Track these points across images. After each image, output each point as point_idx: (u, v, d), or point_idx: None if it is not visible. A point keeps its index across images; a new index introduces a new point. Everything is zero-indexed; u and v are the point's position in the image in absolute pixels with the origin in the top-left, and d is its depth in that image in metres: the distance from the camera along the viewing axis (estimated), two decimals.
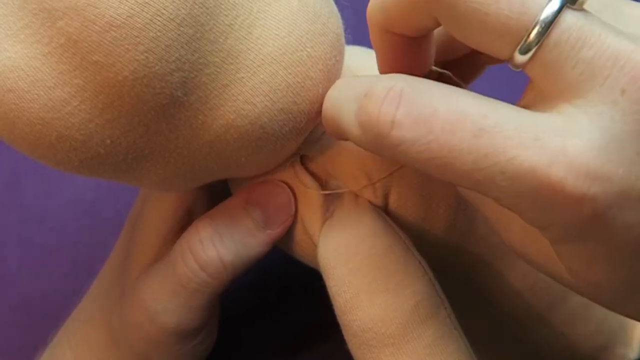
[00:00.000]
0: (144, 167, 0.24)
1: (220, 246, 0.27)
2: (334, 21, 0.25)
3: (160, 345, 0.29)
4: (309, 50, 0.23)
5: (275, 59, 0.23)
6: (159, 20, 0.20)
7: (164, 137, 0.23)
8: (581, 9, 0.18)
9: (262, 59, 0.23)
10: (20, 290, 0.40)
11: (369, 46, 0.33)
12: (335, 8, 0.26)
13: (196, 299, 0.28)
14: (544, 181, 0.17)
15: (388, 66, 0.24)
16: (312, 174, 0.27)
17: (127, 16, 0.20)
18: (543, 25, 0.17)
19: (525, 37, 0.17)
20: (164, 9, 0.20)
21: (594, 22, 0.18)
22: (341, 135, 0.22)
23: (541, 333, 0.29)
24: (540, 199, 0.17)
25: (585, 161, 0.17)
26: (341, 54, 0.25)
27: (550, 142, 0.17)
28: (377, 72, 0.25)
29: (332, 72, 0.25)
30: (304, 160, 0.27)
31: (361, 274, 0.24)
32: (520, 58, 0.18)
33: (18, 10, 0.21)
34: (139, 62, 0.20)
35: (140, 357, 0.30)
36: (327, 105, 0.23)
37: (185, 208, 0.30)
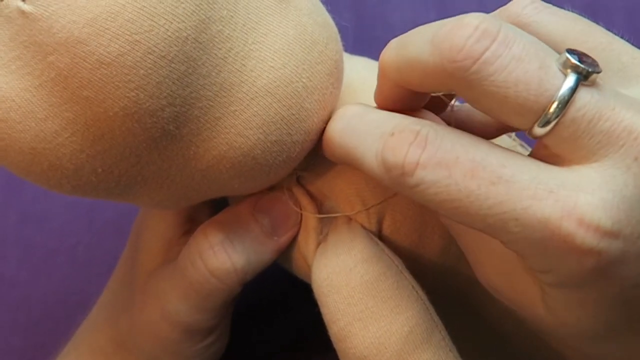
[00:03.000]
0: (137, 192, 0.24)
1: (231, 251, 0.27)
2: (332, 47, 0.25)
3: (170, 343, 0.29)
4: (304, 81, 0.23)
5: (269, 92, 0.22)
6: (149, 58, 0.20)
7: (156, 166, 0.23)
8: (595, 85, 0.19)
9: (256, 92, 0.22)
10: (20, 290, 0.40)
11: (369, 47, 0.33)
12: (334, 31, 0.25)
13: (208, 302, 0.28)
14: (555, 232, 0.18)
15: (387, 106, 0.24)
16: (309, 194, 0.27)
17: (117, 54, 0.19)
18: (560, 103, 0.18)
19: (544, 115, 0.19)
20: (155, 47, 0.20)
21: (608, 96, 0.19)
22: (347, 163, 0.23)
23: (536, 350, 0.29)
24: (548, 248, 0.18)
25: (597, 218, 0.18)
26: (339, 80, 0.25)
27: (565, 196, 0.18)
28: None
29: (329, 101, 0.24)
30: (300, 181, 0.27)
31: (354, 302, 0.25)
32: (539, 131, 0.19)
33: (9, 41, 0.21)
34: (130, 99, 0.20)
35: (149, 358, 0.30)
36: (335, 131, 0.23)
37: (188, 212, 0.30)
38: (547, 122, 0.19)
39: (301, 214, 0.27)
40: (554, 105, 0.18)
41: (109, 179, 0.22)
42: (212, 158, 0.23)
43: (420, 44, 0.20)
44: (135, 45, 0.20)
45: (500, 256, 0.22)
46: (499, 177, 0.18)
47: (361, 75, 0.29)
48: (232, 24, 0.22)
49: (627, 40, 0.22)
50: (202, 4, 0.21)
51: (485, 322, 0.30)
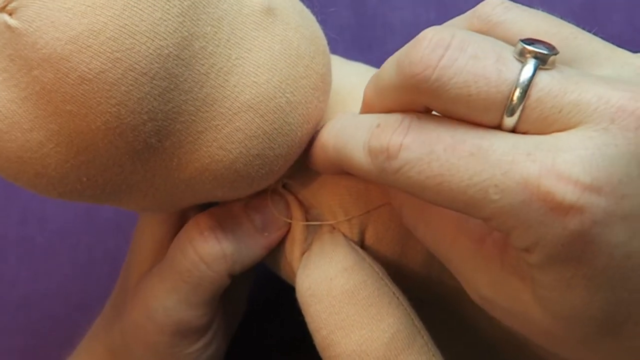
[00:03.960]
0: (122, 199, 0.24)
1: (221, 237, 0.27)
2: (319, 60, 0.25)
3: (161, 347, 0.29)
4: (288, 96, 0.23)
5: (251, 107, 0.23)
6: (130, 75, 0.20)
7: (140, 176, 0.23)
8: (554, 67, 0.19)
9: (239, 107, 0.23)
10: (20, 290, 0.40)
11: (369, 47, 0.33)
12: (322, 44, 0.26)
13: (196, 294, 0.28)
14: (534, 192, 0.18)
15: None
16: (295, 202, 0.28)
17: (99, 71, 0.20)
18: (522, 89, 0.19)
19: (509, 104, 0.19)
20: (136, 64, 0.20)
21: (571, 74, 0.19)
22: (338, 165, 0.23)
23: (522, 358, 0.29)
24: (530, 212, 0.18)
25: (575, 173, 0.18)
26: (325, 92, 0.25)
27: (542, 155, 0.18)
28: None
29: (313, 114, 0.25)
30: (286, 187, 0.28)
31: (335, 311, 0.25)
32: (509, 122, 0.19)
33: None
34: (111, 114, 0.21)
35: None
36: (329, 135, 0.24)
37: (180, 212, 0.30)
38: (513, 110, 0.19)
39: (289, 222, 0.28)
40: (517, 92, 0.19)
41: (94, 187, 0.23)
42: (194, 170, 0.23)
43: (389, 71, 0.21)
44: (117, 62, 0.20)
45: (487, 267, 0.22)
46: (478, 147, 0.19)
47: (351, 81, 0.29)
48: (215, 40, 0.22)
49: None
50: (185, 22, 0.21)
51: (472, 330, 0.30)
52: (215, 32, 0.22)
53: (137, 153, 0.22)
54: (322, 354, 0.26)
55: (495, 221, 0.19)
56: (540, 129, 0.19)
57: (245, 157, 0.23)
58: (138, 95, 0.20)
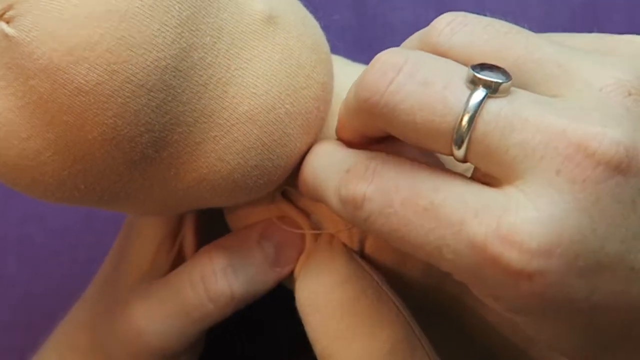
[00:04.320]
0: (121, 205, 0.24)
1: (233, 280, 0.27)
2: (320, 69, 0.25)
3: None
4: (287, 107, 0.23)
5: (250, 118, 0.23)
6: (128, 87, 0.20)
7: (138, 184, 0.23)
8: (507, 94, 0.18)
9: (237, 118, 0.23)
10: (20, 290, 0.40)
11: (369, 47, 0.33)
12: (325, 52, 0.25)
13: (194, 327, 0.28)
14: (482, 255, 0.18)
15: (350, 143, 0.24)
16: (296, 208, 0.27)
17: (96, 83, 0.20)
18: (467, 119, 0.18)
19: (456, 134, 0.18)
20: (133, 76, 0.20)
21: (520, 105, 0.18)
22: (318, 200, 0.23)
23: None
24: (484, 273, 0.18)
25: (520, 238, 0.17)
26: (326, 102, 0.25)
27: (487, 217, 0.18)
28: None
29: (314, 124, 0.25)
30: (285, 195, 0.28)
31: (335, 321, 0.25)
32: (458, 153, 0.19)
33: None
34: (108, 126, 0.20)
35: None
36: (308, 172, 0.24)
37: (178, 215, 0.30)
38: (461, 142, 0.18)
39: (302, 234, 0.27)
40: (464, 121, 0.18)
41: (91, 194, 0.23)
42: (192, 179, 0.23)
43: (350, 94, 0.21)
44: (114, 74, 0.20)
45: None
46: (431, 202, 0.18)
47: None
48: (214, 51, 0.22)
49: None
50: (183, 33, 0.21)
51: (470, 337, 0.30)
52: (215, 42, 0.22)
53: (134, 163, 0.22)
54: None
55: (456, 276, 0.19)
56: (489, 168, 0.19)
57: (243, 168, 0.23)
58: (135, 107, 0.20)
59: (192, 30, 0.21)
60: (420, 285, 0.28)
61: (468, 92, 0.18)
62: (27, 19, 0.20)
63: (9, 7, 0.20)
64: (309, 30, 0.25)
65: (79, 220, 0.41)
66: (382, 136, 0.23)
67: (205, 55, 0.22)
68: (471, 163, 0.19)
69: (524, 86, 0.19)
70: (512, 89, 0.19)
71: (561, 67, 0.19)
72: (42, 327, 0.36)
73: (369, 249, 0.27)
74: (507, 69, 0.19)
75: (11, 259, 0.40)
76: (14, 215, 0.41)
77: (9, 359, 0.39)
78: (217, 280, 0.27)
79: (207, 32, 0.22)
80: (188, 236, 0.30)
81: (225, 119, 0.22)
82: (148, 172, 0.22)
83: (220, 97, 0.22)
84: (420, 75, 0.19)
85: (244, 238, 0.28)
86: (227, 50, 0.22)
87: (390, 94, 0.19)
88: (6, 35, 0.20)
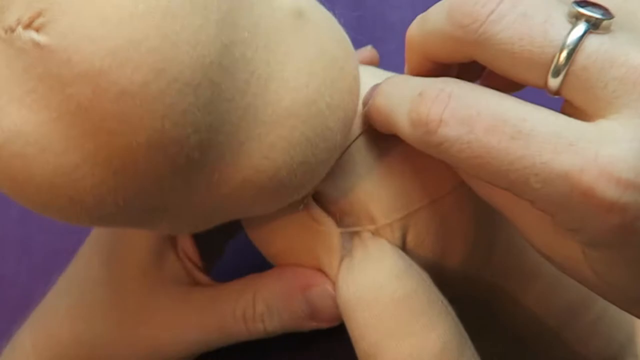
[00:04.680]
0: (156, 221, 0.23)
1: (269, 324, 0.28)
2: (351, 62, 0.24)
3: None
4: (327, 99, 0.23)
5: (293, 113, 0.22)
6: (174, 87, 0.19)
7: (178, 194, 0.22)
8: (607, 31, 0.19)
9: (280, 114, 0.22)
10: (20, 290, 0.40)
11: (372, 43, 0.33)
12: (350, 46, 0.25)
13: (221, 343, 0.29)
14: (576, 186, 0.18)
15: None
16: (326, 211, 0.27)
17: (142, 84, 0.19)
18: (567, 52, 0.18)
19: (554, 65, 0.19)
20: (180, 74, 0.19)
21: (621, 42, 0.18)
22: (389, 129, 0.23)
23: (554, 351, 0.29)
24: (571, 204, 0.18)
25: (618, 169, 0.17)
26: (358, 96, 0.25)
27: (585, 148, 0.18)
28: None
29: (350, 117, 0.24)
30: (317, 197, 0.27)
31: (386, 318, 0.24)
32: (552, 83, 0.19)
33: (23, 74, 0.19)
34: (155, 129, 0.19)
35: None
36: (380, 100, 0.24)
37: None
38: (558, 73, 0.19)
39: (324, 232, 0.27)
40: (563, 54, 0.18)
41: (129, 211, 0.21)
42: (236, 183, 0.22)
43: (438, 16, 0.21)
44: (160, 73, 0.19)
45: (538, 219, 0.21)
46: (519, 131, 0.18)
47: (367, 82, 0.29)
48: (253, 46, 0.21)
49: None
50: (224, 28, 0.20)
51: (503, 326, 0.29)
52: (252, 37, 0.21)
53: (178, 169, 0.21)
54: None
55: (538, 205, 0.19)
56: (584, 101, 0.19)
57: (289, 165, 0.22)
58: (182, 107, 0.19)
59: (231, 25, 0.20)
60: (458, 277, 0.28)
61: (569, 26, 0.19)
62: (60, 24, 0.19)
63: (38, 15, 0.19)
64: (335, 24, 0.25)
65: None
66: (455, 64, 0.23)
67: (245, 50, 0.21)
68: (564, 96, 0.19)
69: (629, 23, 0.19)
70: (613, 27, 0.19)
71: None
72: None
73: (409, 243, 0.27)
74: (615, 4, 0.19)
75: (11, 259, 0.40)
76: (14, 215, 0.41)
77: None
78: (255, 323, 0.28)
79: (245, 27, 0.21)
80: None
81: (268, 115, 0.22)
82: (192, 178, 0.21)
83: (262, 93, 0.22)
84: (521, 7, 0.19)
85: (289, 286, 0.28)
86: (265, 46, 0.22)
87: (491, 23, 0.19)
88: (37, 44, 0.19)
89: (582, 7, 0.19)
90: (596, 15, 0.18)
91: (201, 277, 0.31)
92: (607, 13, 0.19)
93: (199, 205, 0.23)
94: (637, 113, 0.18)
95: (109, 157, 0.20)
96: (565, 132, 0.18)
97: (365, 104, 0.25)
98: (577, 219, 0.18)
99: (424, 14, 0.23)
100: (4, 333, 0.39)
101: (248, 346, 0.31)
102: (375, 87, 0.25)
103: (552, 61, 0.19)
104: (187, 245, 0.31)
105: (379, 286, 0.25)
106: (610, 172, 0.17)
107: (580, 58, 0.18)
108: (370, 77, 0.28)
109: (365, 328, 0.25)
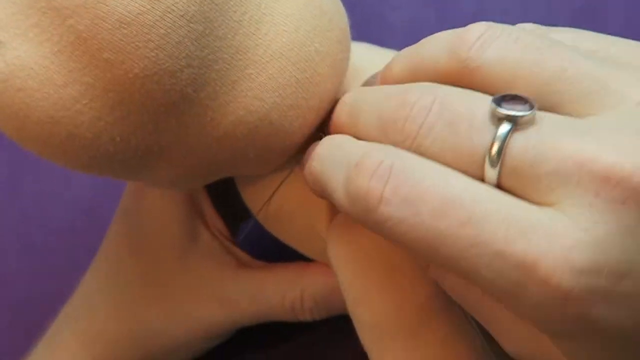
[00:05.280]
0: (152, 166, 0.24)
1: (317, 314, 0.31)
2: (339, 17, 0.25)
3: (189, 342, 0.32)
4: (316, 45, 0.24)
5: (283, 55, 0.23)
6: (169, 17, 0.20)
7: (173, 134, 0.23)
8: (533, 124, 0.18)
9: (271, 55, 0.23)
10: (20, 290, 0.40)
11: (372, 43, 0.33)
12: (341, 5, 0.26)
13: (259, 320, 0.31)
14: (530, 276, 0.17)
15: None
16: None
17: (138, 13, 0.20)
18: (495, 157, 0.18)
19: (487, 170, 0.18)
20: (174, 6, 0.20)
21: (548, 132, 0.18)
22: (324, 198, 0.22)
23: None
24: (526, 294, 0.17)
25: (572, 259, 0.16)
26: (347, 49, 0.25)
27: (539, 237, 0.17)
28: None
29: (340, 68, 0.25)
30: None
31: (374, 269, 0.24)
32: (489, 181, 0.18)
33: (26, 9, 0.21)
34: (149, 60, 0.20)
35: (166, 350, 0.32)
36: (315, 165, 0.22)
37: (190, 198, 0.31)
38: (492, 178, 0.18)
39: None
40: (492, 159, 0.18)
41: (126, 149, 0.22)
42: (228, 124, 0.23)
43: (370, 131, 0.21)
44: (155, 3, 0.20)
45: (515, 322, 0.20)
46: (468, 217, 0.17)
47: (367, 56, 0.29)
48: None
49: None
50: None
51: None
52: None
53: (172, 105, 0.21)
54: (353, 312, 0.25)
55: (493, 295, 0.18)
56: (526, 195, 0.18)
57: (280, 107, 0.23)
58: (176, 39, 0.20)
59: None
60: None
61: (493, 128, 0.18)
62: None
63: None
64: None
65: (79, 220, 0.41)
66: None
67: None
68: (507, 191, 0.18)
69: (558, 104, 0.19)
70: (539, 115, 0.18)
71: (597, 83, 0.18)
72: (42, 327, 0.36)
73: None
74: (539, 87, 0.19)
75: (11, 259, 0.40)
76: (14, 215, 0.41)
77: (9, 359, 0.39)
78: (305, 314, 0.31)
79: None
80: (208, 211, 0.32)
81: (259, 55, 0.23)
82: (185, 116, 0.22)
83: (253, 34, 0.22)
84: (447, 114, 0.18)
85: (335, 283, 0.28)
86: None
87: (421, 137, 0.19)
88: None
89: (501, 104, 0.18)
90: (516, 113, 0.18)
91: (238, 252, 0.32)
92: (528, 104, 0.18)
93: (193, 148, 0.23)
94: (577, 204, 0.17)
95: (105, 90, 0.21)
96: (517, 219, 0.17)
97: (304, 164, 0.24)
98: (533, 309, 0.17)
99: (355, 121, 0.22)
100: (4, 333, 0.39)
101: (248, 345, 0.31)
102: (313, 146, 0.23)
103: (482, 168, 0.18)
104: (213, 218, 0.32)
105: (368, 239, 0.25)
106: (565, 261, 0.16)
107: (509, 160, 0.18)
108: (366, 50, 0.29)
109: (353, 277, 0.25)
